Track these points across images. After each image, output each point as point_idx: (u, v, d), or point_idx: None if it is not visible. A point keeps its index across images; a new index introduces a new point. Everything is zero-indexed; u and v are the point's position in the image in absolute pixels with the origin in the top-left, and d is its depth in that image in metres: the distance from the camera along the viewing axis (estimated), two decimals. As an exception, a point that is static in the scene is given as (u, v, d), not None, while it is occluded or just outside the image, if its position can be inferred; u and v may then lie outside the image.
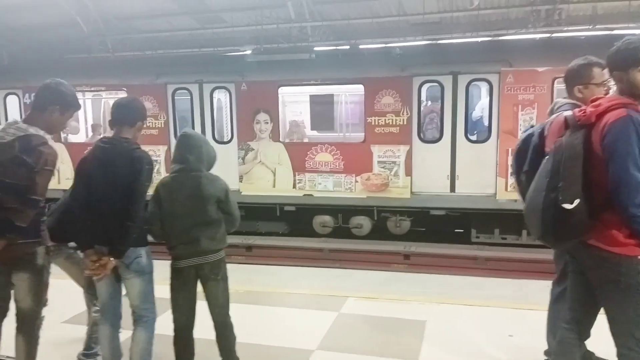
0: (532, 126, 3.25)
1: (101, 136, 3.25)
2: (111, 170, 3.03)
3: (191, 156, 3.20)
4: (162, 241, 3.26)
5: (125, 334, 3.37)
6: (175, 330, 3.31)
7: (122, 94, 10.09)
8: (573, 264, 2.71)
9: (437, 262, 8.26)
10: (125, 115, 3.18)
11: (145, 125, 3.37)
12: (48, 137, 2.96)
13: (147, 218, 3.16)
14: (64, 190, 3.67)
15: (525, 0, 8.94)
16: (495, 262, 8.20)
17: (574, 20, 8.87)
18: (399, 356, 3.78)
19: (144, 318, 3.25)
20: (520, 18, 9.22)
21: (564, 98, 3.11)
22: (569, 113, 2.88)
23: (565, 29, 8.45)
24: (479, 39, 8.64)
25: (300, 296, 5.18)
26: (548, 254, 7.67)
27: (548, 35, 8.51)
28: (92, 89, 10.46)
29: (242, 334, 3.66)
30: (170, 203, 3.16)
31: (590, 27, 8.48)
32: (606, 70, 2.94)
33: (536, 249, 8.28)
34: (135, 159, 3.04)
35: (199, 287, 3.32)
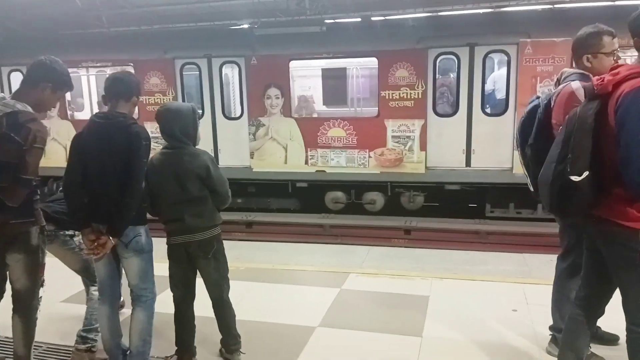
0: (537, 97, 3.11)
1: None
2: (108, 147, 2.93)
3: (176, 131, 3.09)
4: (154, 216, 3.21)
5: (125, 313, 3.34)
6: (175, 305, 3.30)
7: (130, 70, 9.92)
8: (587, 241, 2.61)
9: (438, 237, 8.21)
10: (122, 89, 3.05)
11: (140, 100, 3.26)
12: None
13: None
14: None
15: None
16: (497, 235, 8.14)
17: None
18: (402, 332, 3.72)
19: (142, 297, 3.18)
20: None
21: (572, 68, 2.99)
22: (576, 83, 2.77)
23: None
24: (486, 10, 8.42)
25: (301, 273, 5.12)
26: (552, 228, 7.75)
27: (554, 6, 8.31)
28: (97, 64, 10.23)
29: (243, 310, 3.63)
30: (156, 180, 3.09)
31: None
32: (616, 39, 2.83)
33: (544, 222, 8.29)
34: (133, 134, 2.93)
35: None
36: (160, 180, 3.09)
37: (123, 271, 3.22)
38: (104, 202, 2.92)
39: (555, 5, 8.60)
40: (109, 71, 10.52)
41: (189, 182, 3.08)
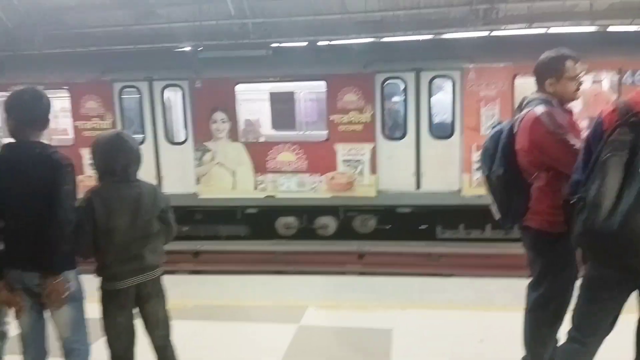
0: (499, 123, 3.10)
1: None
2: (26, 183, 2.58)
3: (131, 163, 2.79)
4: (88, 259, 2.77)
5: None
6: None
7: (63, 93, 9.32)
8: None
9: (391, 261, 8.16)
10: (37, 113, 2.68)
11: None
12: None
13: (74, 233, 2.65)
14: None
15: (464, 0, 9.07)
16: (449, 258, 8.18)
17: (511, 20, 9.14)
18: None
19: (75, 351, 2.81)
20: (459, 17, 9.37)
21: (533, 93, 2.98)
22: (539, 108, 2.77)
23: (503, 27, 8.71)
24: (426, 37, 8.70)
25: (255, 308, 4.81)
26: (501, 248, 7.97)
27: (490, 33, 8.71)
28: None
29: (192, 357, 3.30)
30: (106, 217, 2.69)
31: (527, 25, 8.81)
32: (579, 64, 2.87)
33: (495, 243, 8.48)
34: (55, 163, 2.61)
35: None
36: (114, 216, 2.71)
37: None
38: (25, 243, 2.57)
39: (492, 33, 9.00)
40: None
41: (153, 216, 2.82)
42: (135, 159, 2.81)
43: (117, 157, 2.73)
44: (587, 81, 8.25)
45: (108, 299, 2.79)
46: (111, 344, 2.83)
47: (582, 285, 2.49)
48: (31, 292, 2.67)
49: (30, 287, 2.65)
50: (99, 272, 2.78)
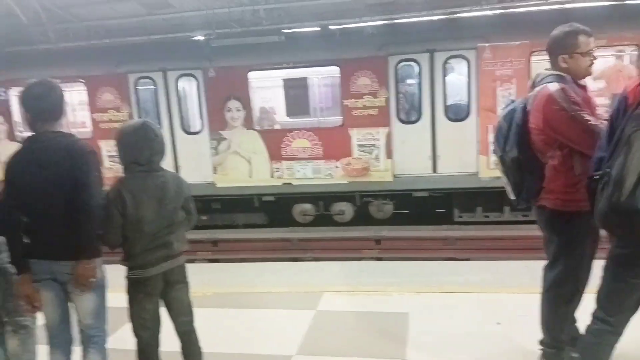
0: (512, 101, 3.02)
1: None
2: (52, 173, 2.63)
3: (156, 153, 2.81)
4: (115, 249, 2.80)
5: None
6: (140, 350, 2.90)
7: (80, 87, 9.45)
8: None
9: (408, 245, 8.15)
10: (52, 103, 2.73)
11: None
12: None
13: (104, 223, 2.69)
14: None
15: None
16: (466, 241, 8.14)
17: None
18: (385, 356, 3.50)
19: (95, 338, 2.86)
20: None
21: (546, 69, 2.90)
22: (553, 85, 2.70)
23: (518, 3, 8.42)
24: (441, 17, 8.47)
25: (273, 295, 4.82)
26: (519, 230, 7.88)
27: (505, 10, 8.45)
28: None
29: (212, 342, 3.33)
30: (135, 207, 2.70)
31: (543, 1, 8.50)
32: (592, 39, 2.78)
33: (511, 225, 8.40)
34: (78, 150, 2.68)
35: None
36: (142, 205, 2.73)
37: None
38: (55, 232, 2.64)
39: (507, 10, 8.76)
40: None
41: (178, 205, 2.86)
42: (159, 149, 2.82)
43: (142, 148, 2.73)
44: (608, 58, 8.05)
45: (136, 287, 2.82)
46: (138, 331, 2.88)
47: (606, 264, 2.43)
48: (58, 281, 2.74)
49: (57, 277, 2.72)
50: (126, 261, 2.80)
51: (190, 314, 3.02)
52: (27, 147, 2.71)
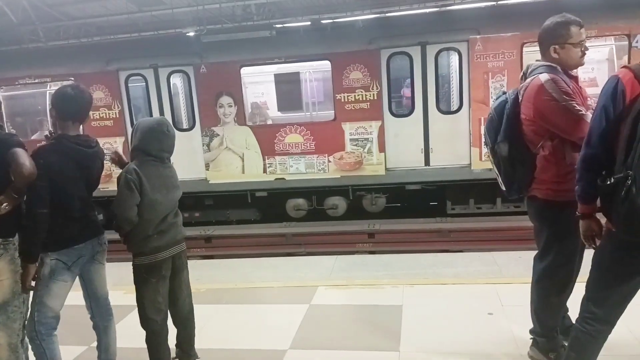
0: (504, 92, 3.02)
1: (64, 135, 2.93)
2: (90, 174, 2.98)
3: (163, 148, 3.02)
4: (127, 232, 2.92)
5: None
6: (154, 333, 3.03)
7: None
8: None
9: (402, 238, 8.18)
10: (82, 106, 2.95)
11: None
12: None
13: (121, 205, 2.86)
14: None
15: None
16: (460, 233, 8.18)
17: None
18: (379, 348, 3.53)
19: (111, 310, 3.20)
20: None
21: (538, 60, 2.90)
22: (544, 75, 2.69)
23: None
24: (432, 10, 8.46)
25: (266, 290, 4.85)
26: (512, 222, 7.92)
27: (497, 2, 8.44)
28: (35, 80, 9.58)
29: (206, 338, 3.42)
30: (150, 188, 2.89)
31: None
32: (584, 29, 2.78)
33: (504, 217, 8.44)
34: (103, 153, 3.14)
35: None
36: (155, 189, 2.93)
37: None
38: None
39: (498, 2, 8.75)
40: (49, 87, 9.94)
41: (178, 194, 3.12)
42: (168, 148, 3.02)
43: (152, 142, 2.94)
44: (599, 48, 8.08)
45: (150, 272, 2.96)
46: (153, 315, 3.00)
47: (596, 254, 2.42)
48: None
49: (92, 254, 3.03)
50: (138, 247, 2.95)
51: (190, 295, 3.26)
52: (66, 147, 2.84)
